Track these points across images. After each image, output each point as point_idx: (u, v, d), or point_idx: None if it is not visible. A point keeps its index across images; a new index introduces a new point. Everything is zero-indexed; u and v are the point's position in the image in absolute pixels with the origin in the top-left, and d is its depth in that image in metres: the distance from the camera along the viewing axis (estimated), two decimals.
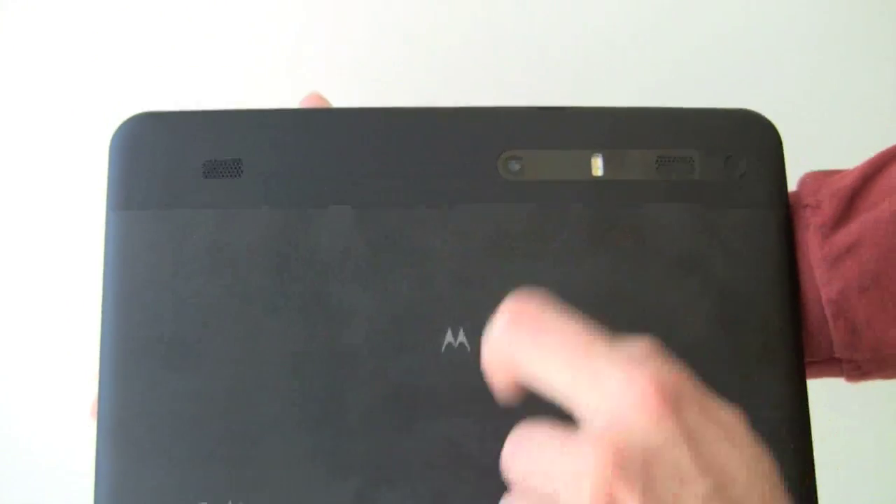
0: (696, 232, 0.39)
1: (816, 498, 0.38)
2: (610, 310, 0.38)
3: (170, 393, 0.37)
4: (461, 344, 0.38)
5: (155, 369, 0.37)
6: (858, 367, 0.40)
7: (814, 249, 0.39)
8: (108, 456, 0.37)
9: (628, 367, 0.28)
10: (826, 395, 0.45)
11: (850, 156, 0.42)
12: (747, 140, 0.40)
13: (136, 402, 0.37)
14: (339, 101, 0.44)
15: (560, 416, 0.36)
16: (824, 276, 0.39)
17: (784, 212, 0.40)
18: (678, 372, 0.29)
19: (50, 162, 0.59)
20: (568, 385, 0.29)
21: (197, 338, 0.38)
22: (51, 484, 0.58)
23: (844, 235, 0.39)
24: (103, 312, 0.38)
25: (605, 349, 0.29)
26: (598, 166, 0.40)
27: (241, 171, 0.39)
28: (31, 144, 0.59)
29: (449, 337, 0.38)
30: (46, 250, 0.58)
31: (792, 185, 0.41)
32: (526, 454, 0.30)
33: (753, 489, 0.28)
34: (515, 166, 0.39)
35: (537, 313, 0.30)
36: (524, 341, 0.30)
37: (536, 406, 0.36)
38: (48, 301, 0.58)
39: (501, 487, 0.36)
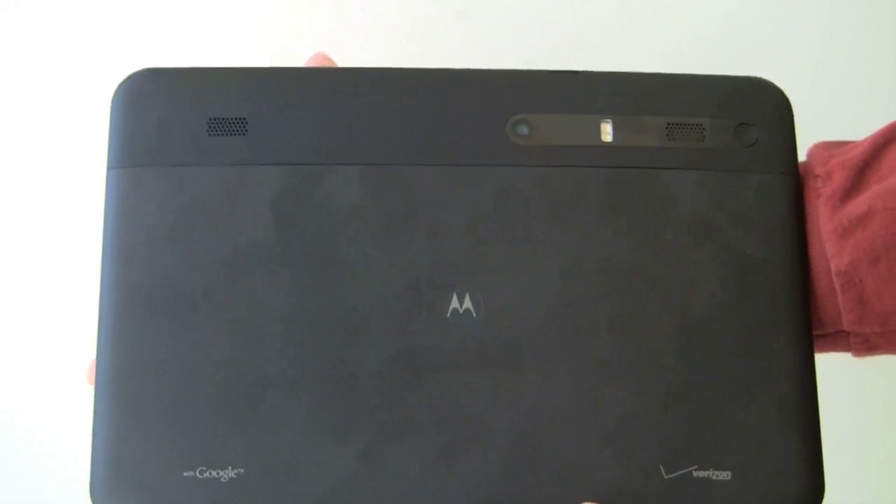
0: (706, 199, 0.39)
1: (822, 469, 0.38)
2: (617, 275, 0.38)
3: (171, 350, 0.37)
4: (467, 309, 0.37)
5: (156, 326, 0.37)
6: (866, 341, 0.40)
7: (824, 220, 0.39)
8: (106, 416, 0.37)
9: None
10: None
11: (859, 127, 0.42)
12: (758, 108, 0.40)
13: (136, 360, 0.37)
14: (344, 61, 0.43)
15: (570, 379, 0.37)
16: (834, 246, 0.38)
17: (795, 180, 0.39)
18: None
19: (48, 121, 0.58)
20: None
21: (199, 294, 0.37)
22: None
23: (855, 206, 0.38)
24: (103, 270, 0.38)
25: None
26: (607, 132, 0.39)
27: (246, 130, 0.38)
28: (30, 104, 0.58)
29: (454, 302, 0.37)
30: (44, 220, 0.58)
31: (800, 157, 0.41)
32: None
33: None
34: (524, 130, 0.39)
35: None
36: None
37: (543, 367, 0.37)
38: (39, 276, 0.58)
39: (506, 445, 0.37)
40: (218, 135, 0.38)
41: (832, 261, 0.38)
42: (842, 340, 0.40)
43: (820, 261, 0.39)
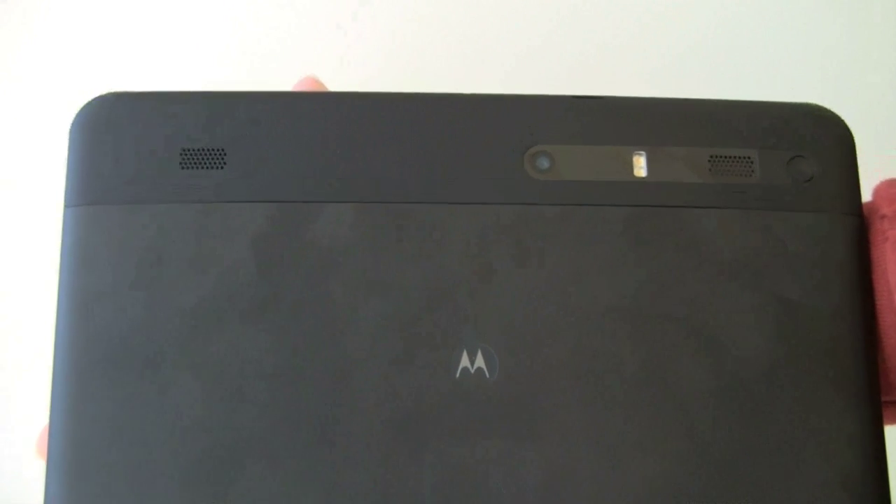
0: (756, 242, 0.36)
1: None
2: (654, 330, 0.35)
3: (135, 415, 0.34)
4: (479, 369, 0.35)
5: (118, 387, 0.34)
6: None
7: (892, 266, 0.36)
8: (60, 492, 0.34)
9: None
10: None
11: None
12: (815, 139, 0.37)
13: (95, 427, 0.34)
14: (336, 86, 0.41)
15: (596, 448, 0.34)
16: None
17: (858, 221, 0.37)
18: None
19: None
20: None
21: (168, 350, 0.35)
22: None
23: None
24: (57, 323, 0.35)
25: None
26: (640, 165, 0.37)
27: (224, 162, 0.36)
28: None
29: (465, 360, 0.35)
30: None
31: (864, 196, 0.38)
32: None
33: None
34: (544, 163, 0.37)
35: None
36: None
37: (565, 435, 0.34)
38: None
39: None
40: (192, 168, 0.36)
41: None
42: None
43: (889, 314, 0.36)
